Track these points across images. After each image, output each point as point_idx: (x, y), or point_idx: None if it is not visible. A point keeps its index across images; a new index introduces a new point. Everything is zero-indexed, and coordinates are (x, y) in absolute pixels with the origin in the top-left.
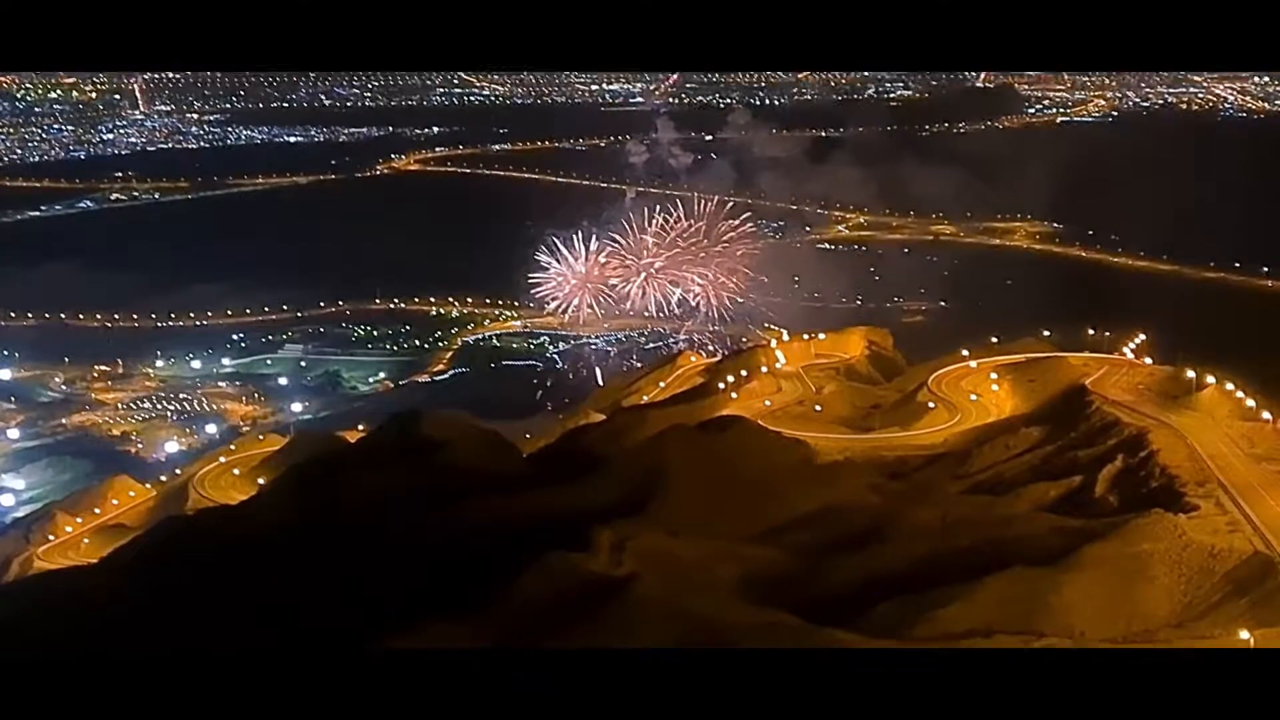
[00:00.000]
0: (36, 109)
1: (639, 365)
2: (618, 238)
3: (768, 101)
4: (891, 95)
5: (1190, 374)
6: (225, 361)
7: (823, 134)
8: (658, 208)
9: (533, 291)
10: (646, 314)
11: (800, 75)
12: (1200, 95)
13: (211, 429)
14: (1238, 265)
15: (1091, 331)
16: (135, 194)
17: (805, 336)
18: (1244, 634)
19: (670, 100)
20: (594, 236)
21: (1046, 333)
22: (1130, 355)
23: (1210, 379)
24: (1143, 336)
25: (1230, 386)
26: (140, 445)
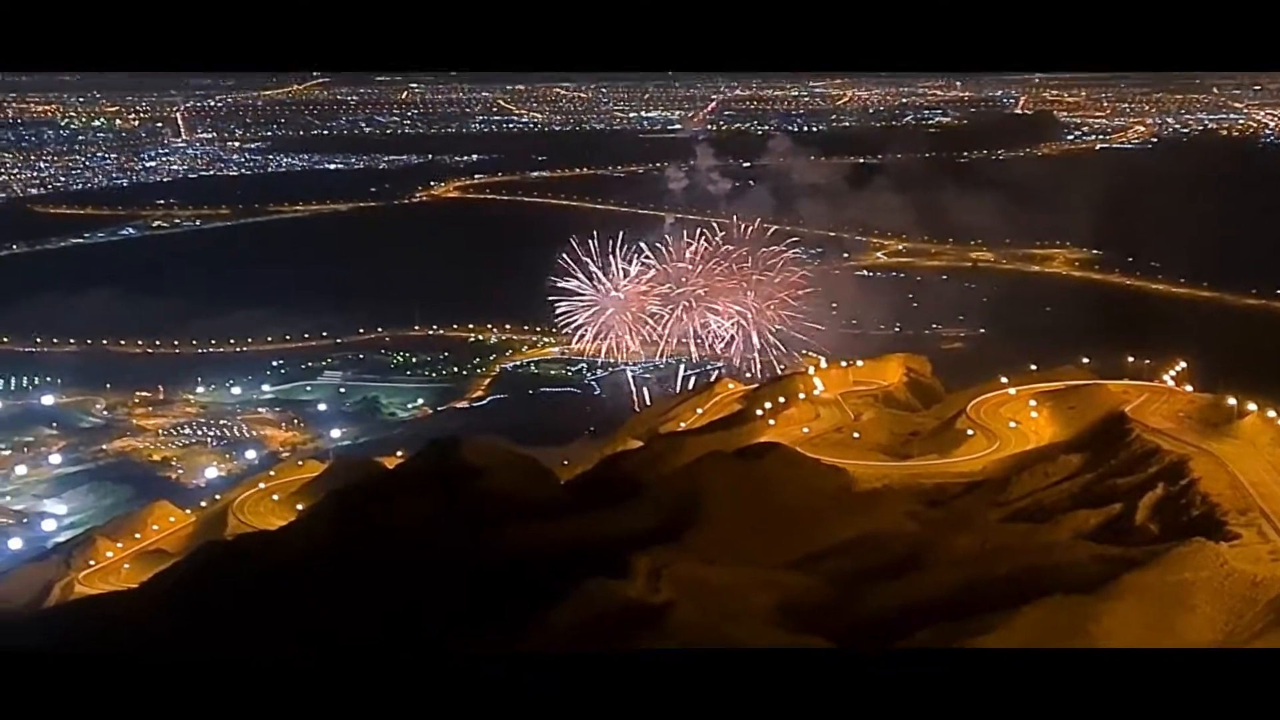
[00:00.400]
0: (80, 137)
1: (676, 392)
2: (656, 265)
3: (806, 128)
4: (930, 122)
5: (1231, 401)
6: (265, 388)
7: (861, 160)
8: (699, 233)
9: (571, 320)
10: (684, 341)
11: (839, 101)
12: (1240, 121)
13: (251, 455)
14: (1279, 292)
15: (1131, 359)
16: (177, 221)
17: (843, 363)
18: None
19: (708, 127)
20: (632, 264)
21: (1086, 360)
22: (1170, 383)
23: (1252, 406)
24: (1183, 364)
25: (1272, 414)
26: (180, 471)
